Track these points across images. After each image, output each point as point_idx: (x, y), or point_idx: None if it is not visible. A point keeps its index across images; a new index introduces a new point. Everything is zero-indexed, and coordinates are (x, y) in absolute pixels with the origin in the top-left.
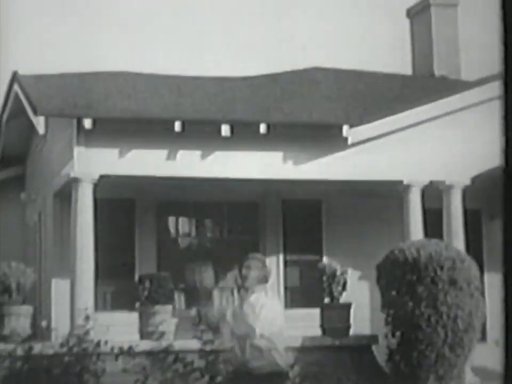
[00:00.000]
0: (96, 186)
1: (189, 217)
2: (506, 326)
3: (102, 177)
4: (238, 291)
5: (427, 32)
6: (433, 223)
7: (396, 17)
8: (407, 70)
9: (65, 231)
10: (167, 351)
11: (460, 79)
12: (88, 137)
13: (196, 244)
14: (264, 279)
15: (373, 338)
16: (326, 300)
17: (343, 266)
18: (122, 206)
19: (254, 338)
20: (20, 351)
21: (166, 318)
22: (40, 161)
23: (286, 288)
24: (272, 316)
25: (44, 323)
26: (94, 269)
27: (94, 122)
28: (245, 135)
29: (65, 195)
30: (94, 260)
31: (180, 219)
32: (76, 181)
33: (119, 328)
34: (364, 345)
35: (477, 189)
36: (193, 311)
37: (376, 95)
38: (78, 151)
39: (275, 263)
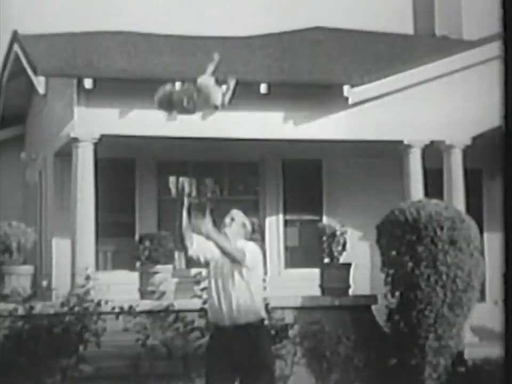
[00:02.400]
0: (96, 146)
1: (189, 177)
2: (506, 286)
3: (102, 137)
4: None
5: None
6: (434, 183)
7: None
8: (409, 29)
9: (65, 190)
10: (167, 310)
11: (461, 39)
12: (88, 97)
13: (196, 204)
14: (243, 235)
15: (372, 298)
16: (326, 260)
17: (343, 226)
18: (122, 165)
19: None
20: (20, 311)
21: (166, 277)
22: (40, 121)
23: (285, 248)
24: (256, 261)
25: (44, 283)
26: (95, 228)
27: (95, 82)
28: (245, 95)
29: (65, 155)
30: (94, 219)
31: (180, 179)
32: (76, 140)
33: (119, 288)
34: (363, 305)
35: (477, 149)
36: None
37: (377, 55)
38: (78, 110)
39: (275, 223)
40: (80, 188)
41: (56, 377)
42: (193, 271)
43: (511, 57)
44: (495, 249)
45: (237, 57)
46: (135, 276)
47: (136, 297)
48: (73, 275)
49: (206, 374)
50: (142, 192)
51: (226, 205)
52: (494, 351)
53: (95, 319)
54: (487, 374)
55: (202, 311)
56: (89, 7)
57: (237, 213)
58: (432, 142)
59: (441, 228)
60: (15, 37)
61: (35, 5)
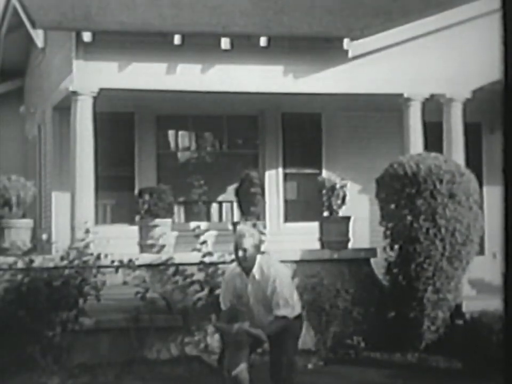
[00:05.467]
0: (95, 100)
1: (188, 131)
2: (506, 238)
3: (101, 90)
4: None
5: None
6: (433, 136)
7: None
8: None
9: (64, 144)
10: (166, 263)
11: None
12: (87, 50)
13: (196, 158)
14: (259, 246)
15: (372, 252)
16: (325, 213)
17: (343, 180)
18: (121, 119)
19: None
20: (20, 264)
21: (165, 231)
22: (39, 74)
23: (285, 201)
24: (286, 281)
25: (44, 236)
26: (94, 182)
27: (93, 35)
28: (245, 48)
29: (64, 108)
30: (93, 173)
31: (180, 133)
32: (75, 94)
33: (119, 241)
34: (362, 258)
35: (477, 102)
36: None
37: (377, 8)
38: (77, 64)
39: (274, 177)
40: (80, 142)
41: (56, 330)
42: (192, 224)
43: (510, 10)
44: (494, 203)
45: (236, 10)
46: (134, 229)
47: (135, 251)
48: (72, 229)
49: (225, 345)
50: (141, 146)
51: (226, 158)
52: (492, 304)
53: (94, 272)
54: (484, 327)
55: (201, 264)
56: None
57: (249, 233)
58: (432, 95)
59: (441, 181)
60: None
61: None
